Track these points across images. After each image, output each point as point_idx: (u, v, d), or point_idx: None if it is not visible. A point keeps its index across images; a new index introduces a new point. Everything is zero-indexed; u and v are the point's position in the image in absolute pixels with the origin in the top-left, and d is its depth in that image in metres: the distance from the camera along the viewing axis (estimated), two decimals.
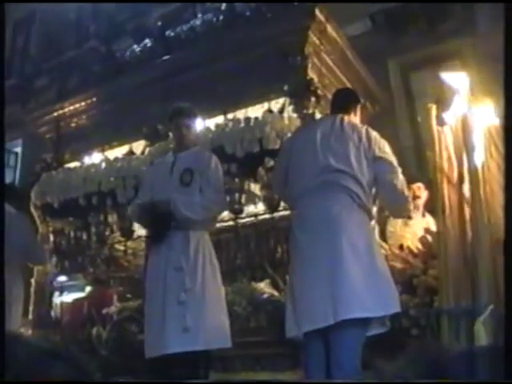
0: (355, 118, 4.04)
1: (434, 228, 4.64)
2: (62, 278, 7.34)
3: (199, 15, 7.73)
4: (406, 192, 3.85)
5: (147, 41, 7.96)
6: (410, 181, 5.77)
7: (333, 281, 3.33)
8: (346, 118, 3.91)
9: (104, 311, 6.14)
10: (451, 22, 9.68)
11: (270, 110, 5.79)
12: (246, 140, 5.29)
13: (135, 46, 8.12)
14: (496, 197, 3.73)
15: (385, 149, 3.77)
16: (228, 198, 5.50)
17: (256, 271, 5.87)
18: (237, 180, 5.54)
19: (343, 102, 4.11)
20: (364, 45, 7.98)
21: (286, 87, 5.66)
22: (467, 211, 3.71)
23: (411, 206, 4.40)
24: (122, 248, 7.51)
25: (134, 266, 7.54)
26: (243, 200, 5.65)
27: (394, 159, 3.79)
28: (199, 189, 4.17)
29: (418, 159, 8.86)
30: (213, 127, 5.82)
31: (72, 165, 7.55)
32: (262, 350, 4.93)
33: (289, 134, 5.19)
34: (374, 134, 3.80)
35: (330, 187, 3.59)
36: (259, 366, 4.98)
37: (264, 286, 5.50)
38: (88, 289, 7.09)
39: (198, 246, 4.10)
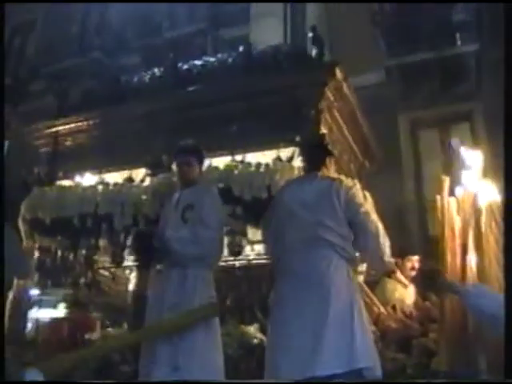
0: (331, 170, 4.40)
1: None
2: (36, 291, 7.54)
3: (210, 51, 8.18)
4: (387, 256, 4.01)
5: (156, 70, 8.32)
6: (411, 252, 6.23)
7: (315, 334, 3.60)
8: (323, 173, 4.27)
9: (87, 336, 6.33)
10: (465, 85, 10.25)
11: (279, 158, 6.13)
12: (255, 185, 5.62)
13: (143, 73, 8.47)
14: (493, 267, 4.15)
15: (361, 207, 4.01)
16: (229, 240, 5.84)
17: (245, 314, 6.14)
18: (240, 222, 5.82)
19: (318, 157, 4.43)
20: (376, 96, 8.39)
21: (298, 138, 6.01)
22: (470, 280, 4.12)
23: (392, 266, 4.67)
24: (106, 273, 7.76)
25: (115, 292, 7.77)
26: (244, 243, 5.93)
27: (371, 212, 4.05)
28: (193, 224, 4.39)
29: (420, 215, 9.32)
30: (221, 167, 6.13)
31: (66, 183, 7.78)
32: None
33: None
34: (352, 188, 4.07)
35: (315, 242, 3.87)
36: None
37: (254, 331, 5.78)
38: (62, 307, 7.28)
39: (195, 284, 4.29)
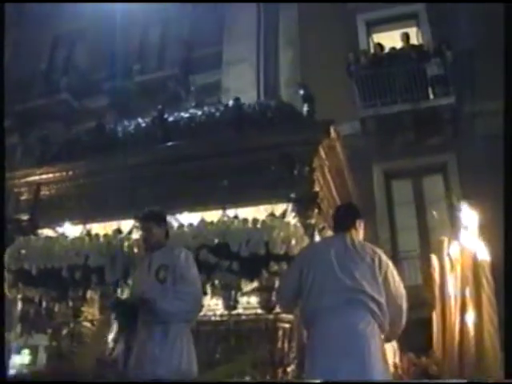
0: (360, 233, 4.68)
1: None
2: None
3: (193, 104, 8.48)
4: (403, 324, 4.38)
5: (141, 121, 8.54)
6: None
7: None
8: (353, 236, 4.54)
9: None
10: (439, 138, 10.76)
11: (272, 214, 6.42)
12: (253, 241, 5.88)
13: (126, 123, 8.68)
14: (487, 325, 4.47)
15: (394, 275, 4.35)
16: (224, 294, 6.08)
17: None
18: (235, 277, 6.07)
19: (347, 219, 4.68)
20: (351, 146, 8.75)
21: (292, 195, 6.32)
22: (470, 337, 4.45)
23: None
24: (88, 325, 7.86)
25: (97, 344, 7.88)
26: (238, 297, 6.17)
27: (402, 289, 4.37)
28: (173, 283, 4.72)
29: (394, 264, 9.64)
30: (215, 221, 6.38)
31: (49, 232, 7.91)
32: None
33: (293, 241, 5.85)
34: (384, 257, 4.40)
35: (353, 305, 4.11)
36: None
37: None
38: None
39: (175, 337, 4.61)
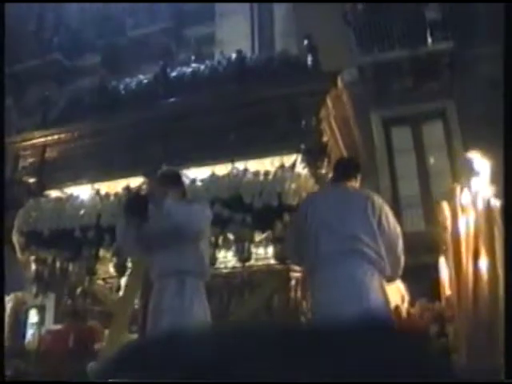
0: (357, 185, 4.83)
1: None
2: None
3: (192, 58, 8.49)
4: (402, 263, 4.54)
5: (142, 77, 8.55)
6: None
7: None
8: (353, 186, 4.71)
9: (96, 346, 6.62)
10: (438, 83, 10.79)
11: (282, 166, 6.50)
12: (266, 193, 5.98)
13: (128, 80, 8.69)
14: (500, 271, 4.60)
15: (388, 218, 4.47)
16: (238, 247, 6.22)
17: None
18: (248, 230, 6.18)
19: (347, 171, 4.83)
20: (349, 94, 8.80)
21: (302, 146, 6.40)
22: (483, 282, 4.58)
23: None
24: (101, 283, 8.02)
25: (110, 301, 8.04)
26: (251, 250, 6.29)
27: (398, 229, 4.51)
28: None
29: (396, 214, 9.79)
30: (228, 175, 6.47)
31: (57, 194, 7.99)
32: None
33: (303, 193, 5.94)
34: (378, 200, 4.52)
35: (352, 254, 4.25)
36: None
37: None
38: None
39: (192, 291, 4.68)
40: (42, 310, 9.97)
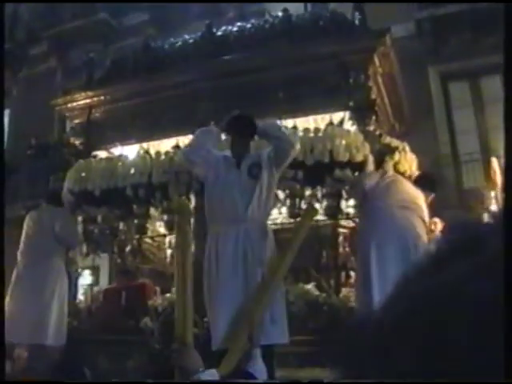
0: None
1: None
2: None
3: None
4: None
5: (187, 37, 8.79)
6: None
7: None
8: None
9: (150, 303, 6.97)
10: (496, 36, 10.81)
11: (331, 123, 6.76)
12: (317, 150, 6.25)
13: (172, 40, 8.94)
14: None
15: None
16: (290, 202, 6.50)
17: (299, 274, 6.81)
18: (299, 186, 6.45)
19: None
20: (406, 48, 8.94)
21: (351, 103, 6.65)
22: None
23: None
24: (149, 241, 8.39)
25: (158, 259, 8.43)
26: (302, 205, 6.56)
27: None
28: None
29: (455, 167, 10.06)
30: None
31: (104, 154, 8.34)
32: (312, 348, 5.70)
33: (353, 150, 6.20)
34: None
35: None
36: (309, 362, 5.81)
37: (312, 289, 6.48)
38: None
39: (271, 242, 4.87)
40: (95, 271, 10.39)
